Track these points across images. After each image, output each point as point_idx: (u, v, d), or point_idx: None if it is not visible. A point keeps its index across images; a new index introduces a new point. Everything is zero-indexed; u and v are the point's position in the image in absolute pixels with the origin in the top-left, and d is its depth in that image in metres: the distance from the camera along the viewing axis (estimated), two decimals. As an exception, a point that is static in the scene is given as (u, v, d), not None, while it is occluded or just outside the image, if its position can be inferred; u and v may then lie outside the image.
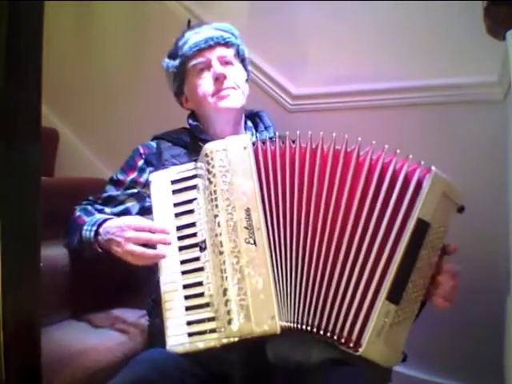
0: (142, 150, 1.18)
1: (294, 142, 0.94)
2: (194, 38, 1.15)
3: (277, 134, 1.16)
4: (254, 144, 0.94)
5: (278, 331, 0.84)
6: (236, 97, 1.14)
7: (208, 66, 1.14)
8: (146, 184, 1.13)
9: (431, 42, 1.36)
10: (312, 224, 0.89)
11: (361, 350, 0.83)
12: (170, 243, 0.95)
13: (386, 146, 0.91)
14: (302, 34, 1.53)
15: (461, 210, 0.94)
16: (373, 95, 1.43)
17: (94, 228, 1.03)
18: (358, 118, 1.46)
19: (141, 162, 1.17)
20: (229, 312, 0.86)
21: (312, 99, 1.54)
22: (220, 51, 1.15)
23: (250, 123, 1.23)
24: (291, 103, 1.56)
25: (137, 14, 1.84)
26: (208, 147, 0.95)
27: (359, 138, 0.91)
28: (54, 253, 1.17)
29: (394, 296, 0.86)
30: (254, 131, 1.22)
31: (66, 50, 1.93)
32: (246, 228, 0.88)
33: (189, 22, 1.24)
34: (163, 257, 0.94)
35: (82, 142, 1.97)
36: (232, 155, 0.93)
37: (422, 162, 0.91)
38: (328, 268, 0.87)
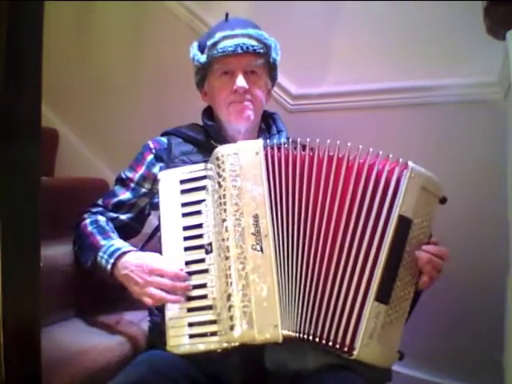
0: (152, 145, 1.16)
1: (304, 147, 0.94)
2: (223, 42, 1.09)
3: (284, 140, 1.15)
4: (265, 148, 0.94)
5: (280, 340, 0.85)
6: (250, 112, 1.12)
7: (231, 72, 1.11)
8: (156, 179, 1.13)
9: (431, 42, 1.36)
10: (309, 231, 0.90)
11: (355, 353, 0.84)
12: (189, 288, 0.92)
13: (371, 149, 0.92)
14: (303, 34, 1.53)
15: (443, 201, 0.94)
16: (373, 95, 1.43)
17: (112, 261, 0.99)
18: (358, 118, 1.46)
19: (150, 157, 1.15)
20: (232, 318, 0.86)
21: (312, 99, 1.54)
22: (247, 60, 1.10)
23: (263, 125, 1.21)
24: (291, 103, 1.56)
25: (137, 14, 1.84)
26: (219, 150, 0.95)
27: (349, 144, 0.92)
28: (54, 253, 1.17)
29: (383, 296, 0.86)
30: (266, 134, 1.20)
31: (66, 50, 1.93)
32: (254, 234, 0.88)
33: (227, 15, 1.15)
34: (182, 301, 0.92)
35: (82, 142, 1.97)
36: (243, 160, 0.92)
37: (401, 160, 0.92)
38: (322, 276, 0.88)
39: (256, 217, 0.89)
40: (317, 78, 1.54)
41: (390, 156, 0.92)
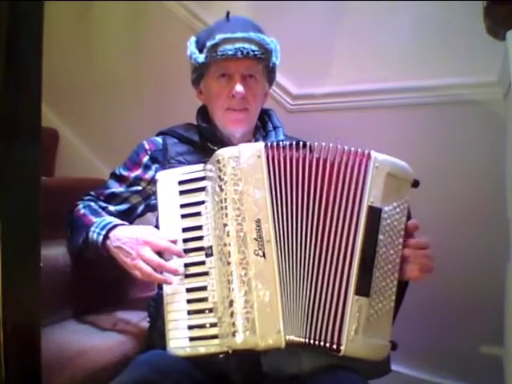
0: (147, 146, 1.16)
1: (304, 145, 0.93)
2: (223, 45, 1.07)
3: (282, 137, 1.15)
4: (266, 150, 0.92)
5: (283, 346, 0.84)
6: (245, 121, 1.12)
7: (230, 75, 1.10)
8: (151, 181, 1.12)
9: (431, 42, 1.36)
10: (305, 234, 0.90)
11: (342, 348, 0.84)
12: (179, 273, 0.92)
13: (346, 147, 0.92)
14: (303, 34, 1.53)
15: (415, 184, 0.94)
16: (373, 95, 1.43)
17: (103, 232, 1.01)
18: (358, 118, 1.46)
19: (146, 159, 1.15)
20: (234, 324, 0.85)
21: (312, 99, 1.54)
22: (246, 64, 1.09)
23: (258, 122, 1.21)
24: (291, 103, 1.56)
25: (137, 14, 1.84)
26: (220, 153, 0.93)
27: (332, 145, 0.92)
28: (54, 253, 1.17)
29: (362, 289, 0.86)
30: (262, 131, 1.20)
31: (66, 50, 1.93)
32: (256, 240, 0.87)
33: (227, 14, 1.13)
34: (170, 283, 0.92)
35: (82, 142, 1.97)
36: (245, 163, 0.91)
37: (366, 151, 0.92)
38: (316, 279, 0.88)
39: (258, 221, 0.88)
40: (317, 78, 1.54)
41: (359, 150, 0.92)
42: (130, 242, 0.96)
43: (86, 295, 1.24)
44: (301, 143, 0.93)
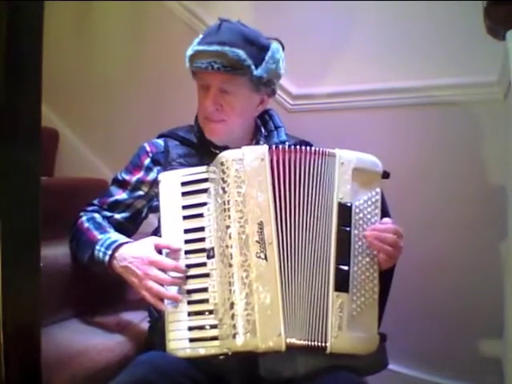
0: (148, 148, 1.16)
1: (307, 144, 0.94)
2: (198, 57, 1.07)
3: (285, 138, 1.15)
4: (269, 149, 0.93)
5: (283, 348, 0.84)
6: (222, 131, 1.10)
7: (207, 87, 1.09)
8: (154, 183, 1.11)
9: (431, 42, 1.36)
10: (303, 235, 0.90)
11: (328, 345, 0.85)
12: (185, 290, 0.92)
13: (312, 148, 0.93)
14: (303, 34, 1.53)
15: (385, 175, 0.95)
16: (373, 95, 1.43)
17: (109, 252, 1.00)
18: (358, 118, 1.47)
19: (147, 161, 1.15)
20: (234, 326, 0.85)
21: (312, 99, 1.54)
22: (221, 78, 1.06)
23: (259, 121, 1.20)
24: (291, 103, 1.57)
25: (137, 14, 1.84)
26: (224, 156, 0.93)
27: (303, 147, 0.93)
28: (54, 253, 1.17)
29: (341, 285, 0.87)
30: (263, 131, 1.20)
31: (66, 50, 1.93)
32: (258, 242, 0.88)
33: (220, 22, 1.11)
34: (179, 300, 0.92)
35: (82, 142, 1.97)
36: (248, 166, 0.91)
37: (330, 150, 0.93)
38: (314, 281, 0.89)
39: (260, 224, 0.88)
40: (317, 78, 1.54)
41: (324, 150, 0.93)
42: (136, 261, 0.96)
43: (86, 295, 1.24)
44: (308, 147, 0.94)
